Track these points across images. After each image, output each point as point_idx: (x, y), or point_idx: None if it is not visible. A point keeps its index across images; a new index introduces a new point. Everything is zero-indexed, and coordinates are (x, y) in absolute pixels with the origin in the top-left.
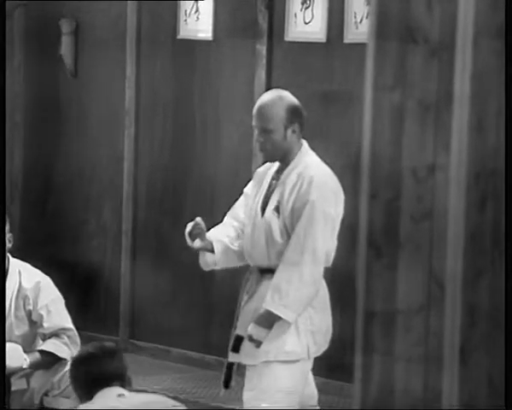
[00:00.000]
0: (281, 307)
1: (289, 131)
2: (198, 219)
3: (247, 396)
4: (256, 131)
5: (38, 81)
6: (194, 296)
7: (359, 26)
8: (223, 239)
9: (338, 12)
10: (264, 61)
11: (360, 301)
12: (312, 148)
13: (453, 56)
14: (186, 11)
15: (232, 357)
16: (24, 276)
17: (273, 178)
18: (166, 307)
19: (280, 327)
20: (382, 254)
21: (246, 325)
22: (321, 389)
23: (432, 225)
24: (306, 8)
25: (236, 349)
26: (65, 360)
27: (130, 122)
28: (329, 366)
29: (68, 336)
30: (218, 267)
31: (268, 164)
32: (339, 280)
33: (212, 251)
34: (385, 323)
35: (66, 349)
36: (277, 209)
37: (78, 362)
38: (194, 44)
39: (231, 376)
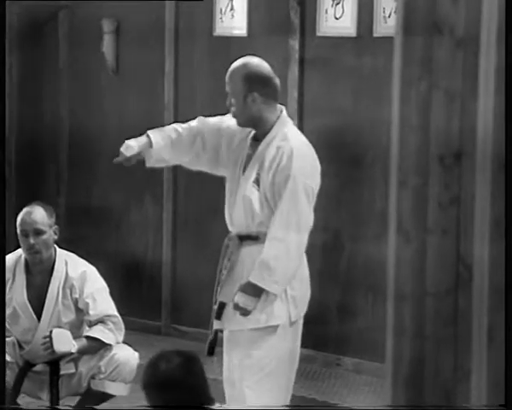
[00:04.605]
0: (271, 284)
1: (249, 100)
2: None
3: (247, 363)
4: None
5: (82, 78)
6: None
7: (388, 21)
8: (170, 134)
9: (367, 7)
10: (296, 55)
11: (390, 285)
12: (343, 139)
13: (478, 47)
14: (221, 9)
15: (216, 324)
16: (70, 266)
17: (251, 145)
18: (206, 292)
19: (269, 295)
20: (411, 240)
21: (231, 292)
22: (355, 369)
23: (459, 211)
24: (337, 3)
25: (219, 317)
26: (110, 345)
27: (169, 116)
28: (362, 347)
29: (113, 323)
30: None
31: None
32: (370, 265)
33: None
34: (414, 305)
35: (112, 335)
36: (257, 182)
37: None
38: (229, 41)
39: (216, 342)
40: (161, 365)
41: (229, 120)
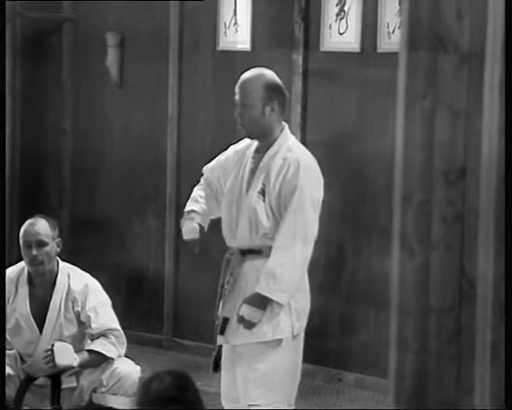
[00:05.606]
0: (276, 292)
1: (268, 109)
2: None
3: (252, 377)
4: (237, 107)
5: (86, 91)
6: None
7: (392, 36)
8: (204, 209)
9: (371, 23)
10: (300, 70)
11: (394, 300)
12: (347, 153)
13: (483, 62)
14: (225, 23)
15: (220, 339)
16: (73, 279)
17: (253, 158)
18: (208, 306)
19: (274, 308)
20: (415, 255)
21: (234, 307)
22: (356, 384)
23: (463, 227)
24: (341, 19)
25: (223, 332)
26: (112, 359)
27: (172, 130)
28: (364, 362)
29: (115, 336)
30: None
31: (247, 142)
32: (373, 280)
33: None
34: (418, 320)
35: (114, 349)
36: (263, 193)
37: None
38: (233, 55)
39: (220, 358)
40: (152, 385)
41: (227, 152)
